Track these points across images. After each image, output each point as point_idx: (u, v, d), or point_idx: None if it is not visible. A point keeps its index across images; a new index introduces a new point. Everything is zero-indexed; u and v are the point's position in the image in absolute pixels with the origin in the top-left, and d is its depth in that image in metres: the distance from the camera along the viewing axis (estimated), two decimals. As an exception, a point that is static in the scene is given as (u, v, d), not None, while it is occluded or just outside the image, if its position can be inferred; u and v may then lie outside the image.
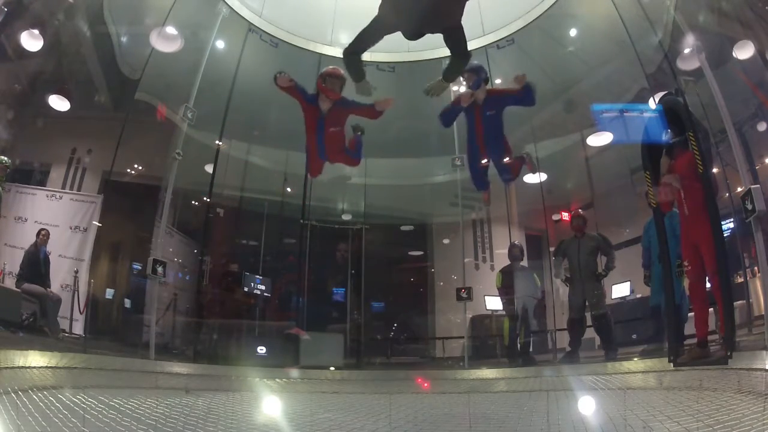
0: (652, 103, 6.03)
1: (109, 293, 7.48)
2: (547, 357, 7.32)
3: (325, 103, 4.92)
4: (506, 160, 5.04)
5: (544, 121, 8.64)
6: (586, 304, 6.16)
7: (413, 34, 3.56)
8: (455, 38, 3.54)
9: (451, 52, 3.73)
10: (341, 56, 4.65)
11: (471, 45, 8.00)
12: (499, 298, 8.56)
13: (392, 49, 7.67)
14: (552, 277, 9.07)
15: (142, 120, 7.42)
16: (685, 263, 4.25)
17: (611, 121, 7.37)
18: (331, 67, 5.07)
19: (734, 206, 5.05)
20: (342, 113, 5.06)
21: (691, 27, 5.17)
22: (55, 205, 7.09)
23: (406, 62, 8.01)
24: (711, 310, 4.13)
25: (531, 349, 6.89)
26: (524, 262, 7.55)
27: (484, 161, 5.10)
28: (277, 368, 6.15)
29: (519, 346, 6.83)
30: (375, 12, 3.47)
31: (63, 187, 7.49)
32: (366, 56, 7.00)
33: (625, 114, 6.99)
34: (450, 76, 4.17)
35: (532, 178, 9.15)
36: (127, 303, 7.59)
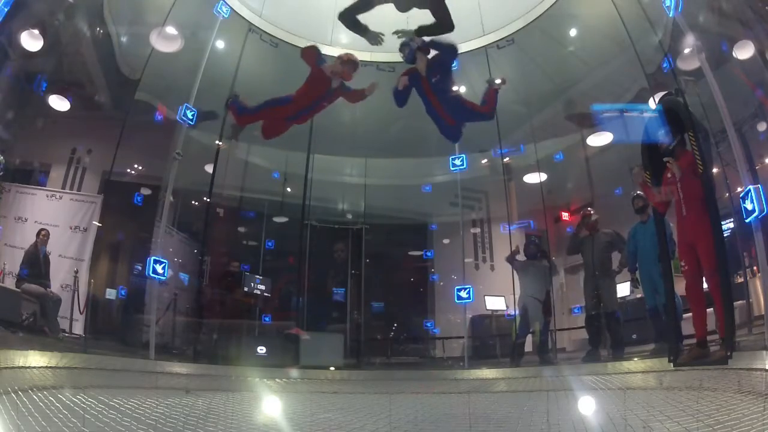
0: (652, 103, 6.03)
1: (110, 293, 7.47)
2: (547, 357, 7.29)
3: (336, 82, 5.24)
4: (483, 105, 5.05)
5: (544, 121, 8.63)
6: (600, 301, 6.07)
7: (403, 7, 4.43)
8: (440, 11, 4.33)
9: (437, 21, 4.43)
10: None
11: (471, 45, 8.05)
12: (502, 298, 8.55)
13: (392, 49, 7.66)
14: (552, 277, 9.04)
15: (142, 120, 7.42)
16: (682, 263, 4.26)
17: (611, 121, 7.37)
18: (349, 52, 5.34)
19: (734, 206, 5.05)
20: (340, 94, 5.41)
21: (691, 27, 5.17)
22: (55, 205, 7.09)
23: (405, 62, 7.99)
24: (710, 310, 4.13)
25: (541, 348, 6.62)
26: (536, 259, 7.03)
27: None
28: (277, 368, 6.15)
29: (535, 345, 6.68)
30: (374, 13, 3.83)
31: (63, 187, 7.49)
32: (366, 56, 7.08)
33: (625, 114, 6.99)
34: (422, 32, 4.68)
35: (532, 178, 9.15)
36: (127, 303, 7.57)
